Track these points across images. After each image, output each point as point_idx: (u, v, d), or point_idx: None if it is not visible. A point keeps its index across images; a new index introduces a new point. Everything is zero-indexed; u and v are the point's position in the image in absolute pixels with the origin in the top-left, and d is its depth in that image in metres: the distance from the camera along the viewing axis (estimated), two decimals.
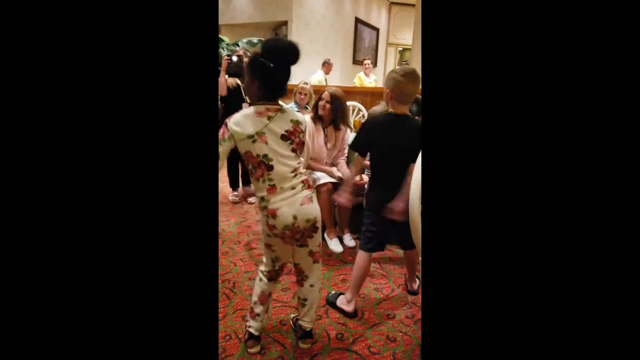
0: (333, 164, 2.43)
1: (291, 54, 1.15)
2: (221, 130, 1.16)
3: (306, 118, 2.26)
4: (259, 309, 1.38)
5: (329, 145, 2.31)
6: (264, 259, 1.37)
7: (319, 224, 1.29)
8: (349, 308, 1.65)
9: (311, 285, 1.38)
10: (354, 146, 1.63)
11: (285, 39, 2.16)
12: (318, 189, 2.19)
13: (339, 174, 2.27)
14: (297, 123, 1.22)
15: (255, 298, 1.38)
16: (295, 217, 1.20)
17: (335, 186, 2.23)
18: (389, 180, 1.52)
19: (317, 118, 2.25)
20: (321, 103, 2.21)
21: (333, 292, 1.78)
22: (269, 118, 1.17)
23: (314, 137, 2.27)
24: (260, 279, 1.38)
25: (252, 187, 1.28)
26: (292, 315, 1.57)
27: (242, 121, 1.16)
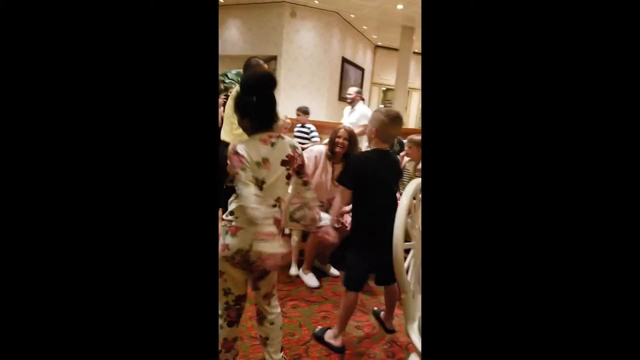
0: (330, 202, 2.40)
1: (265, 81, 1.21)
2: (236, 158, 1.14)
3: (321, 149, 2.25)
4: (225, 356, 1.32)
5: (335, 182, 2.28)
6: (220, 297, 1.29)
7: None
8: (337, 343, 1.63)
9: (271, 323, 1.35)
10: (342, 180, 1.65)
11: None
12: (318, 227, 2.15)
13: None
14: (294, 148, 1.27)
15: (219, 346, 1.30)
16: (251, 246, 1.15)
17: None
18: (373, 213, 1.55)
19: (331, 155, 2.21)
20: (339, 140, 2.16)
21: (319, 327, 1.73)
22: (272, 145, 1.21)
23: (326, 172, 2.26)
24: (221, 326, 1.29)
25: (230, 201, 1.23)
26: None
27: (249, 148, 1.17)
